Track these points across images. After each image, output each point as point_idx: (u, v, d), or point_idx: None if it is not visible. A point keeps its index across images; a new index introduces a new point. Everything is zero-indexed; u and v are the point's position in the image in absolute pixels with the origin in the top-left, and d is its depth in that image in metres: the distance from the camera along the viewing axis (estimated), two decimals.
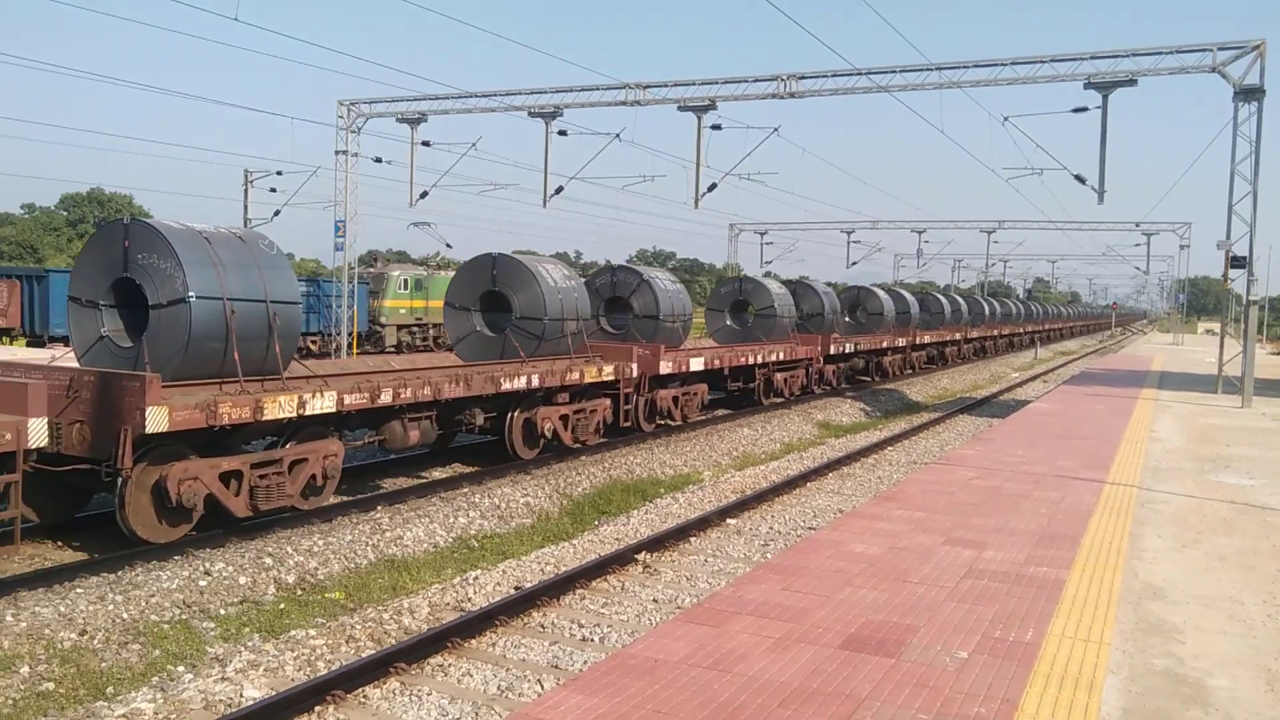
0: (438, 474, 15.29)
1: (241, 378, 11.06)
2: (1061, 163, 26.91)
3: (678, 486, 15.56)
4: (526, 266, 17.26)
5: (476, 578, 9.67)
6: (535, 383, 15.33)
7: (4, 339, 29.25)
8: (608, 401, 17.44)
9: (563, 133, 29.00)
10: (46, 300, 29.79)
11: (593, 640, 8.28)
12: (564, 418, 16.29)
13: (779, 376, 25.12)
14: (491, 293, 17.39)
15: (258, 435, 11.61)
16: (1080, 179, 24.83)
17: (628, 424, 18.18)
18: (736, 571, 10.61)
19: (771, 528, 12.65)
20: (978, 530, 8.83)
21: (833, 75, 26.98)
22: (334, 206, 30.65)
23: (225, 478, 10.55)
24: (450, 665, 7.57)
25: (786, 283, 30.64)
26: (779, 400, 25.32)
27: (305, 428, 11.68)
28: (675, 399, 20.08)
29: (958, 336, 45.06)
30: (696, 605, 6.12)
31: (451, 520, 12.25)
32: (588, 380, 16.71)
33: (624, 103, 28.42)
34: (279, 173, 39.72)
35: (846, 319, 33.95)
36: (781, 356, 25.05)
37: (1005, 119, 26.06)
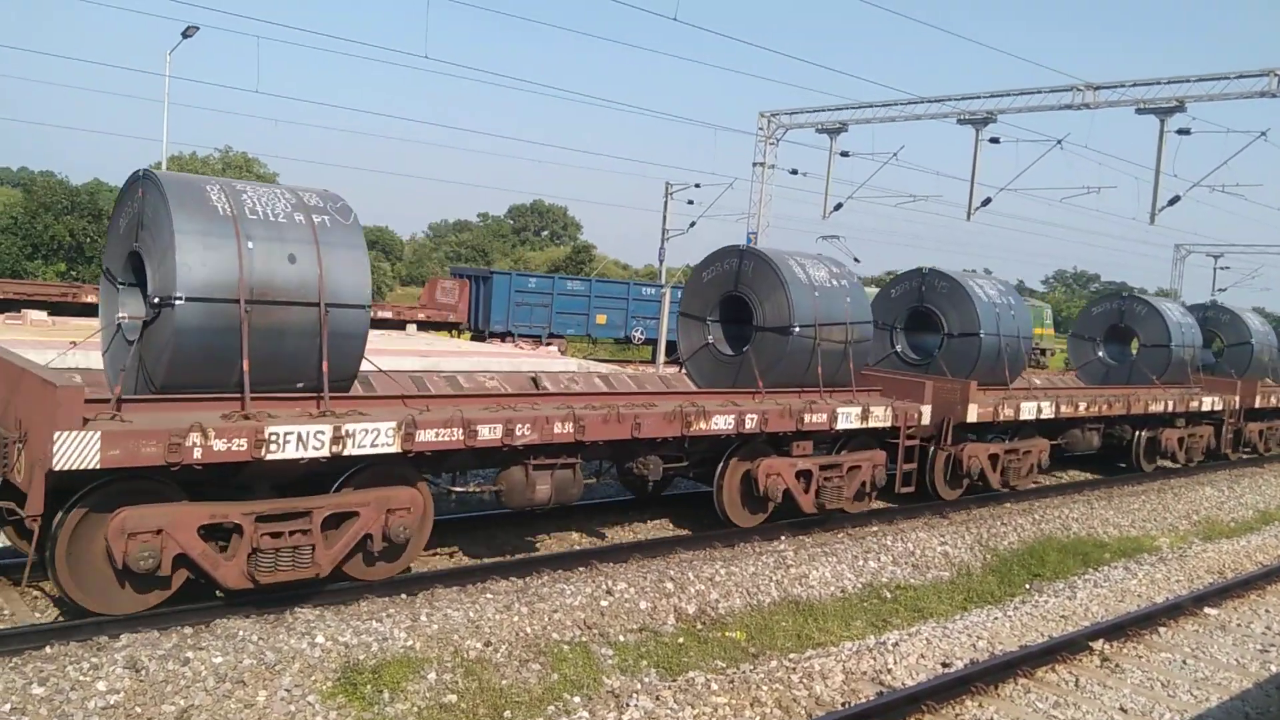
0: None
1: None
2: None
3: (1126, 553, 13.05)
4: (1153, 305, 20.57)
5: (896, 644, 8.32)
6: (1171, 407, 18.03)
7: (453, 332, 32.35)
8: (1212, 428, 19.65)
9: (995, 140, 26.53)
10: (490, 299, 32.60)
11: None
12: (1180, 440, 18.58)
13: None
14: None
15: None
16: None
17: (1226, 450, 20.10)
18: (1230, 684, 8.30)
19: (1269, 628, 9.96)
20: None
21: None
22: (747, 219, 30.66)
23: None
24: None
25: None
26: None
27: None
28: (1260, 432, 21.42)
29: None
30: None
31: (860, 563, 11.00)
32: (1203, 409, 19.15)
33: (1069, 106, 25.47)
34: (697, 185, 40.90)
35: None
36: None
37: None
